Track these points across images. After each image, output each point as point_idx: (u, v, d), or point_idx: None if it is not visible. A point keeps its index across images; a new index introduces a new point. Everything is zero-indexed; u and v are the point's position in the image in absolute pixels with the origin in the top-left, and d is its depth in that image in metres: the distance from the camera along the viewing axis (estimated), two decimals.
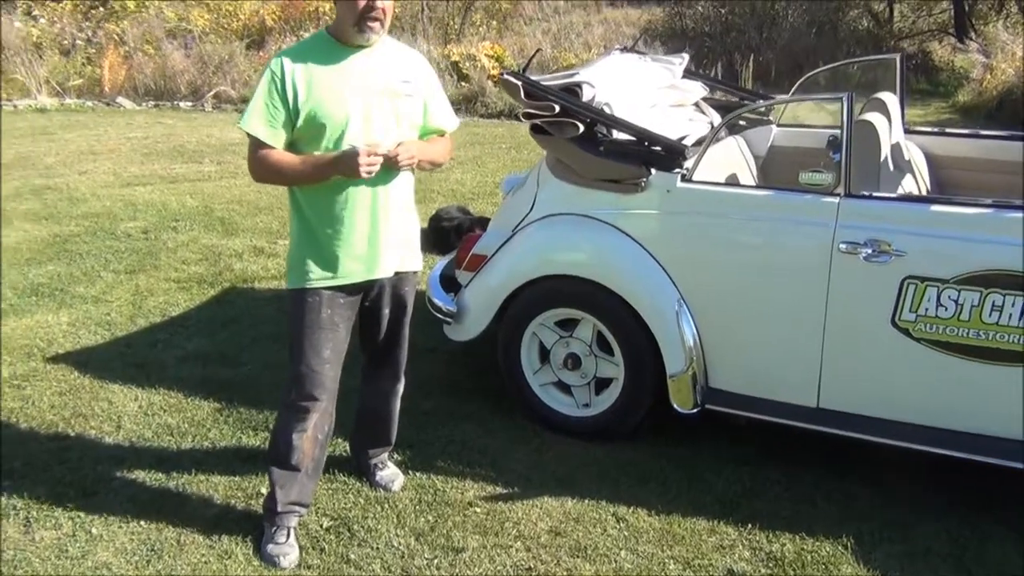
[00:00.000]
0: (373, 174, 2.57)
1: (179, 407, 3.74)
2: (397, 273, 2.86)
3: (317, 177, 2.64)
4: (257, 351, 4.25)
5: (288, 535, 2.85)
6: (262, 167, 2.65)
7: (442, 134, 2.94)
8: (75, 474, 3.23)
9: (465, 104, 11.91)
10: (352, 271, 2.74)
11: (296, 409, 2.81)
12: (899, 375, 3.01)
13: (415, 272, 2.98)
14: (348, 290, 2.78)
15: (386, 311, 2.93)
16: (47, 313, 4.73)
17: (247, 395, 3.80)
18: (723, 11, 17.31)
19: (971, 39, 14.06)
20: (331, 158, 2.59)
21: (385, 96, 2.68)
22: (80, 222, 6.34)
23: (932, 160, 4.07)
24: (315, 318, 2.75)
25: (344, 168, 2.56)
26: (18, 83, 12.32)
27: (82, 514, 3.01)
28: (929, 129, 4.26)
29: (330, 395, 2.85)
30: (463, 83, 12.46)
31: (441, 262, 4.21)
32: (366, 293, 2.85)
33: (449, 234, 5.52)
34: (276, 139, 2.62)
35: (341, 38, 2.65)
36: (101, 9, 14.88)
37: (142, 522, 2.97)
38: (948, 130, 4.36)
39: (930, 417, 3.01)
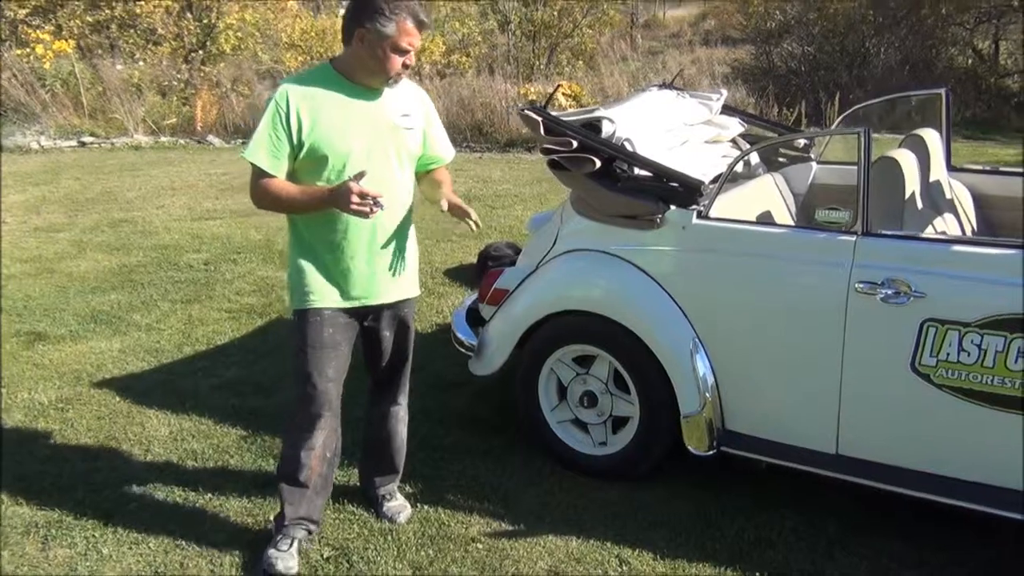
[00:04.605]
0: (370, 216, 2.59)
1: (207, 434, 3.82)
2: (399, 300, 2.94)
3: (313, 208, 2.70)
4: (290, 382, 4.30)
5: (292, 544, 2.91)
6: (264, 195, 2.72)
7: (438, 163, 3.02)
8: (97, 495, 3.33)
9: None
10: (352, 296, 2.83)
11: (303, 428, 2.88)
12: (920, 423, 2.85)
13: (416, 296, 3.05)
14: (349, 312, 2.86)
15: (387, 334, 2.99)
16: (101, 340, 4.92)
17: (273, 424, 3.86)
18: (811, 48, 17.03)
19: None
20: (327, 192, 2.64)
21: (387, 131, 2.75)
22: (148, 253, 6.60)
23: (980, 200, 3.89)
24: (318, 338, 2.82)
25: (338, 202, 2.60)
26: (117, 122, 13.00)
27: (97, 534, 3.09)
28: (978, 167, 4.07)
29: (335, 412, 2.92)
30: None
31: (468, 298, 4.21)
32: (371, 317, 2.93)
33: None
34: (279, 169, 2.69)
35: (352, 77, 2.72)
36: (200, 52, 15.62)
37: (151, 544, 3.04)
38: (1001, 168, 4.15)
39: (954, 468, 2.84)
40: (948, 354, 2.74)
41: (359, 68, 2.69)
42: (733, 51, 19.72)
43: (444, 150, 3.01)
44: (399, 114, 2.77)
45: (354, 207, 2.56)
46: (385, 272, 2.84)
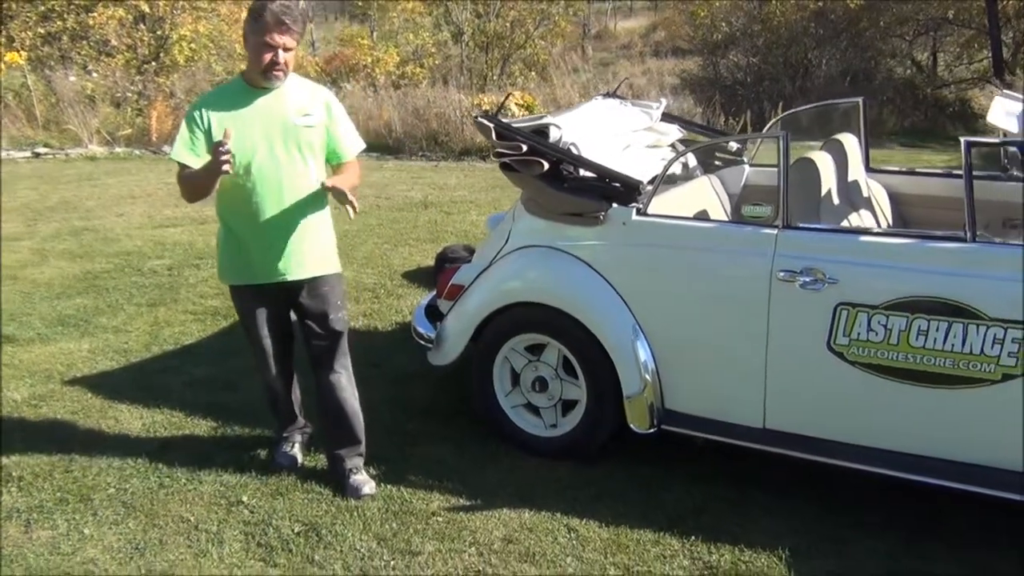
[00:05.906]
0: (224, 166, 2.93)
1: (179, 426, 4.02)
2: (313, 277, 3.33)
3: (209, 178, 3.08)
4: (257, 379, 4.51)
5: (293, 445, 3.68)
6: (184, 183, 3.21)
7: (342, 158, 3.36)
8: (76, 483, 3.52)
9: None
10: (264, 273, 3.29)
11: (261, 370, 3.57)
12: (836, 397, 3.17)
13: (333, 274, 3.41)
14: (267, 286, 3.32)
15: (313, 310, 3.38)
16: (70, 341, 5.08)
17: (243, 417, 4.07)
18: (755, 60, 17.56)
19: (995, 85, 14.13)
20: (208, 161, 3.05)
21: (286, 128, 3.19)
22: (111, 260, 6.75)
23: (897, 198, 4.25)
24: (246, 308, 3.43)
25: (213, 166, 2.97)
26: (71, 133, 13.02)
27: (77, 516, 3.29)
28: (895, 168, 4.44)
29: (279, 353, 3.51)
30: None
31: (427, 296, 4.47)
32: (289, 293, 3.33)
33: None
34: (197, 163, 3.13)
35: (251, 82, 3.18)
36: (153, 64, 15.66)
37: (130, 524, 3.24)
38: (917, 169, 4.53)
39: (868, 438, 3.16)
40: (859, 333, 3.07)
41: (252, 71, 3.16)
42: (682, 62, 20.26)
43: (345, 146, 3.35)
44: (300, 113, 3.21)
45: (216, 163, 2.94)
46: (293, 251, 3.25)
